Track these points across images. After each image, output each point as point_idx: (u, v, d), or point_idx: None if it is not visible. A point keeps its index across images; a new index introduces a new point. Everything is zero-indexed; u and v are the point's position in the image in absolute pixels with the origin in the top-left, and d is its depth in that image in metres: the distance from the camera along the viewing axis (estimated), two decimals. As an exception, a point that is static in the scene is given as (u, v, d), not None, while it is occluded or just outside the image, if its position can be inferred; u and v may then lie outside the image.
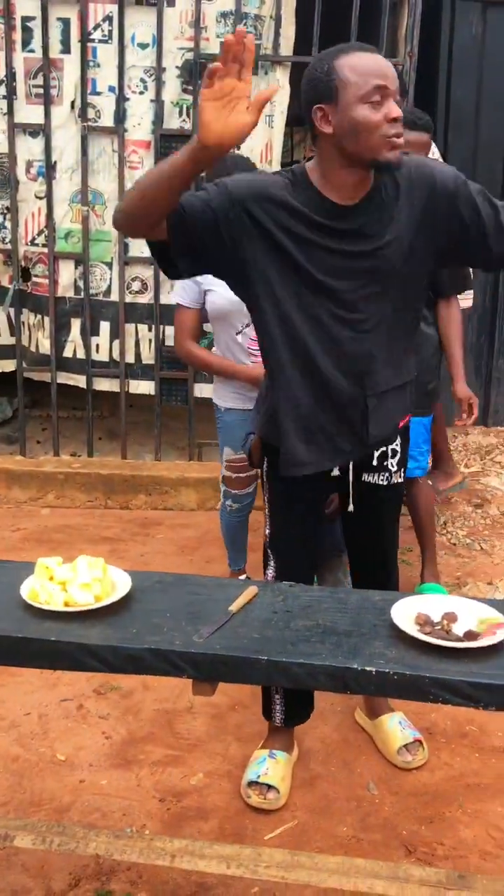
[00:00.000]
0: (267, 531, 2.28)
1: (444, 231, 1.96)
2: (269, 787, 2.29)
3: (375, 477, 2.22)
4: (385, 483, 2.23)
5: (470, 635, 1.56)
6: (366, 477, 2.22)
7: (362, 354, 2.00)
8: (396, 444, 2.22)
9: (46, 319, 4.19)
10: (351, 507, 2.21)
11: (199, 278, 2.90)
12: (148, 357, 4.22)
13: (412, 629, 1.57)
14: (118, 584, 1.73)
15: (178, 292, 3.04)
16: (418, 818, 2.24)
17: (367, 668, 1.46)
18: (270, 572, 2.27)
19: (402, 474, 2.29)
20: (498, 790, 2.33)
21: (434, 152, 3.59)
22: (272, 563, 2.27)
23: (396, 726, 2.46)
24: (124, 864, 2.06)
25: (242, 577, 3.34)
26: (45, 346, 4.24)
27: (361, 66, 1.80)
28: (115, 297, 4.15)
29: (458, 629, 1.59)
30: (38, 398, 4.92)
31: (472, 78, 4.54)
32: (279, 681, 1.51)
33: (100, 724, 2.59)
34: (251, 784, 2.30)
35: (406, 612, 1.63)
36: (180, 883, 2.03)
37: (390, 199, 1.93)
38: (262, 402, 2.22)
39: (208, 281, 2.89)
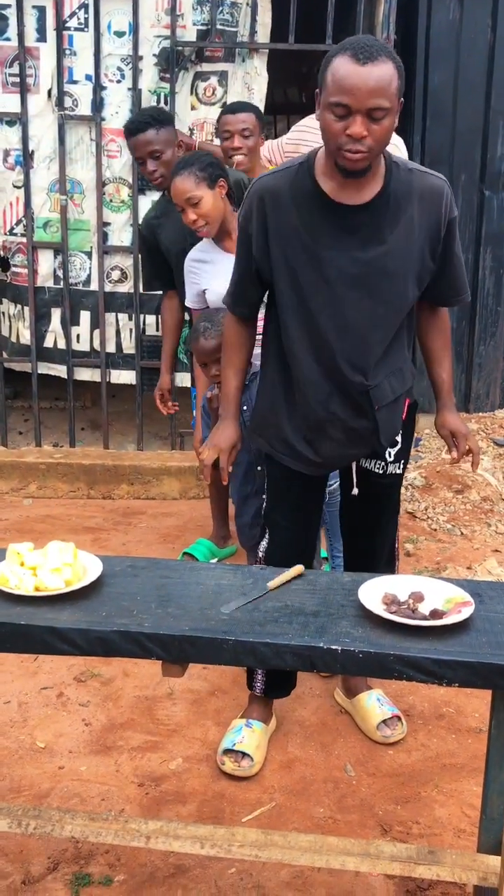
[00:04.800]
0: (264, 505, 2.31)
1: (437, 249, 2.04)
2: (244, 754, 2.33)
3: (371, 463, 2.28)
4: (380, 472, 2.28)
5: (435, 614, 1.58)
6: (363, 462, 2.28)
7: (360, 339, 2.04)
8: (398, 434, 2.26)
9: (26, 309, 4.19)
10: (355, 491, 2.28)
11: (195, 279, 2.95)
12: (129, 347, 4.22)
13: (378, 608, 1.59)
14: (89, 568, 1.74)
15: (187, 297, 3.09)
16: (394, 798, 2.27)
17: (333, 647, 1.48)
18: (264, 545, 2.31)
19: (402, 466, 2.32)
20: (473, 770, 2.35)
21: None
22: (266, 536, 2.31)
23: (374, 703, 2.49)
24: (103, 848, 2.08)
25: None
26: (26, 336, 4.24)
27: (339, 74, 1.77)
28: (94, 286, 4.15)
29: (425, 608, 1.61)
30: (19, 389, 4.91)
31: (450, 64, 4.53)
32: (247, 661, 1.53)
33: (80, 712, 2.61)
34: (226, 752, 2.34)
35: (373, 593, 1.65)
36: (158, 865, 2.05)
37: (397, 206, 1.95)
38: (259, 405, 2.27)
39: (204, 280, 2.93)
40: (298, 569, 1.75)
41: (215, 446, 2.22)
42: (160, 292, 3.50)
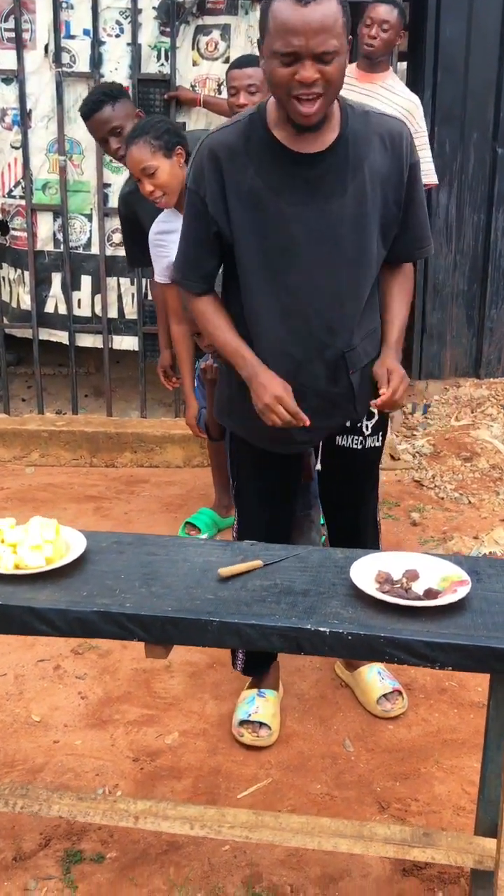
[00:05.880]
0: (232, 487, 2.24)
1: (401, 196, 1.94)
2: (261, 724, 2.29)
3: (348, 440, 2.17)
4: (359, 447, 2.18)
5: (430, 593, 1.52)
6: (339, 440, 2.17)
7: (335, 298, 1.93)
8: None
9: (26, 274, 4.10)
10: (318, 466, 2.18)
11: (163, 252, 2.87)
12: (131, 312, 4.13)
13: (370, 588, 1.52)
14: (72, 545, 1.68)
15: (156, 272, 2.99)
16: (393, 774, 2.23)
17: (321, 629, 1.42)
18: (235, 526, 2.24)
19: (380, 439, 2.22)
20: (474, 745, 2.30)
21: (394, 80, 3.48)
22: (237, 518, 2.23)
23: (375, 677, 2.44)
24: (95, 824, 2.05)
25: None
26: (26, 301, 4.16)
27: (281, 18, 1.66)
28: (95, 250, 4.05)
29: (419, 587, 1.55)
30: (23, 355, 4.84)
31: (463, 14, 4.35)
32: (232, 643, 1.47)
33: (76, 685, 2.57)
34: (243, 723, 2.30)
35: (366, 571, 1.58)
36: (151, 842, 2.02)
37: (357, 153, 1.85)
38: (225, 385, 2.16)
39: (172, 250, 2.84)
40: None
41: (274, 398, 1.90)
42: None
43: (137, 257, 3.30)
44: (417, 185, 1.95)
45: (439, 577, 1.58)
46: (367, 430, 2.16)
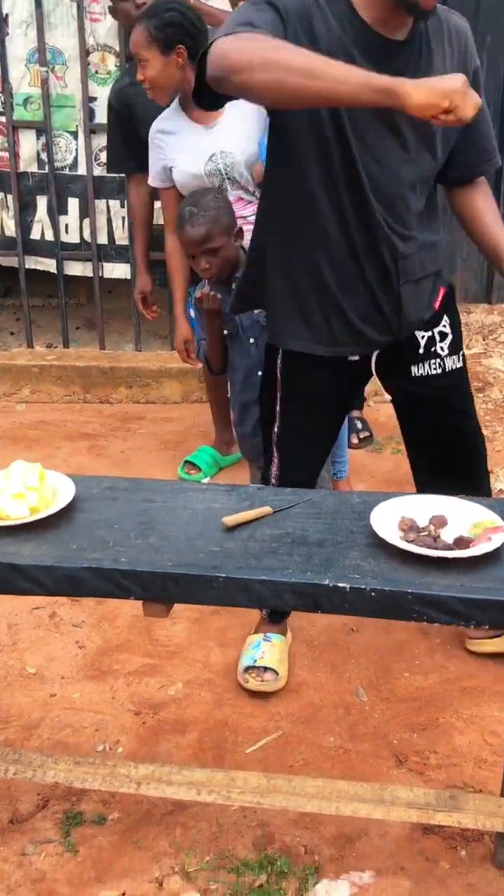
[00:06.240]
0: (276, 427, 2.05)
1: None
2: (267, 669, 2.18)
3: (426, 367, 2.01)
4: (438, 371, 2.02)
5: (461, 542, 1.35)
6: (415, 371, 2.01)
7: (397, 185, 1.80)
8: (444, 325, 2.02)
9: (10, 198, 3.85)
10: (365, 394, 2.14)
11: (160, 153, 2.64)
12: (122, 237, 3.89)
13: (394, 536, 1.36)
14: (60, 492, 1.51)
15: (150, 174, 2.75)
16: (410, 725, 2.10)
17: (340, 585, 1.26)
18: (274, 472, 2.08)
19: (460, 359, 2.06)
20: (495, 693, 2.18)
21: None
22: (275, 460, 2.07)
23: None
24: (95, 784, 1.94)
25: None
26: (11, 227, 3.92)
27: None
28: (82, 170, 3.79)
29: (448, 535, 1.38)
30: (10, 285, 4.61)
31: None
32: (240, 601, 1.31)
33: (73, 633, 2.44)
34: (248, 669, 2.19)
35: (388, 517, 1.42)
36: (155, 802, 1.90)
37: (429, 48, 1.75)
38: (256, 273, 1.98)
39: (169, 153, 2.62)
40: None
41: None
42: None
43: (121, 160, 3.03)
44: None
45: (470, 524, 1.41)
46: (443, 350, 2.01)
